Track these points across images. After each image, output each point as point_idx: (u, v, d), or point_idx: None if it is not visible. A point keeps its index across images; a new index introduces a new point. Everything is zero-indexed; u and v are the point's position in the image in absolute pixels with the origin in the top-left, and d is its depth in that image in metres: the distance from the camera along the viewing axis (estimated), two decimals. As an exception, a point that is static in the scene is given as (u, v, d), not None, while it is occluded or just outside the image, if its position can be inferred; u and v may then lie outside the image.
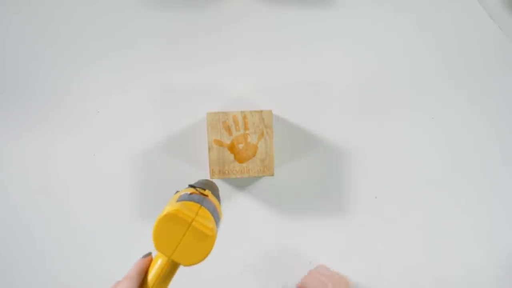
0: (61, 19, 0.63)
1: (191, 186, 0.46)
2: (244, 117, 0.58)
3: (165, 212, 0.39)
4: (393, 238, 0.66)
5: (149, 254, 0.41)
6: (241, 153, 0.59)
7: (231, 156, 0.58)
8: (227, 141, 0.58)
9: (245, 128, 0.59)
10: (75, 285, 0.64)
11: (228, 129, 0.58)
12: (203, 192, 0.44)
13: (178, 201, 0.41)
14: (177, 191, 0.45)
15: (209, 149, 0.58)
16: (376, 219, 0.66)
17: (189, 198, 0.42)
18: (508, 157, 0.66)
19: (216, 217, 0.42)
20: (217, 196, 0.48)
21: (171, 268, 0.39)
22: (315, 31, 0.65)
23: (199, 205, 0.40)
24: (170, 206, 0.39)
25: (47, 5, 0.63)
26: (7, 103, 0.63)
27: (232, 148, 0.58)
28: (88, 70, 0.63)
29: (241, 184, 0.65)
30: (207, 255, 0.39)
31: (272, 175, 0.59)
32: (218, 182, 0.60)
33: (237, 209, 0.65)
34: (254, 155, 0.59)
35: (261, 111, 0.59)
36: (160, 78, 0.64)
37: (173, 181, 0.64)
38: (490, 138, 0.66)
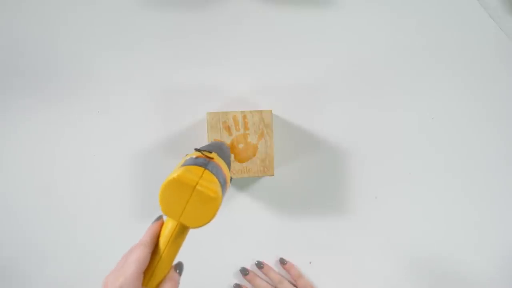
0: (61, 19, 0.63)
1: (197, 150, 0.46)
2: (244, 117, 0.58)
3: (169, 178, 0.39)
4: (393, 238, 0.66)
5: (160, 217, 0.42)
6: (241, 153, 0.59)
7: (231, 156, 0.58)
8: (227, 141, 0.58)
9: (245, 128, 0.59)
10: (75, 285, 0.64)
11: (228, 129, 0.58)
12: (208, 155, 0.44)
13: (183, 165, 0.41)
14: (185, 155, 0.46)
15: (209, 149, 0.58)
16: (376, 219, 0.66)
17: (194, 162, 0.42)
18: (509, 156, 0.66)
19: (222, 179, 0.43)
20: (224, 157, 0.48)
21: (181, 231, 0.40)
22: (315, 31, 0.65)
23: (203, 169, 0.41)
24: (175, 171, 0.40)
25: (46, 5, 0.63)
26: (7, 103, 0.63)
27: (232, 148, 0.58)
28: (88, 70, 0.63)
29: (241, 184, 0.65)
30: (213, 216, 0.40)
31: (272, 175, 0.59)
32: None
33: (237, 209, 0.65)
34: (254, 155, 0.59)
35: (261, 111, 0.59)
36: (160, 78, 0.64)
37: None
38: (490, 138, 0.66)
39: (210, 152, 0.45)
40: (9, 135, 0.63)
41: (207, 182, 0.40)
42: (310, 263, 0.65)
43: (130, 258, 0.38)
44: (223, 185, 0.43)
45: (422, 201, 0.66)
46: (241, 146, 0.58)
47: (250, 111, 0.58)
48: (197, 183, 0.39)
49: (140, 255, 0.38)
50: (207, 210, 0.39)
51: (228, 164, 0.49)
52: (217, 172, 0.42)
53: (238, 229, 0.65)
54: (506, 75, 0.66)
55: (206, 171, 0.41)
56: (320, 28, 0.65)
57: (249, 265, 0.65)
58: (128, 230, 0.63)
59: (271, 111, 0.59)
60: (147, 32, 0.64)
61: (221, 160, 0.46)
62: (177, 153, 0.64)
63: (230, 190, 0.65)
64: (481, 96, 0.66)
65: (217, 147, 0.50)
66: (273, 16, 0.64)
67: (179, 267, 0.42)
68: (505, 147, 0.66)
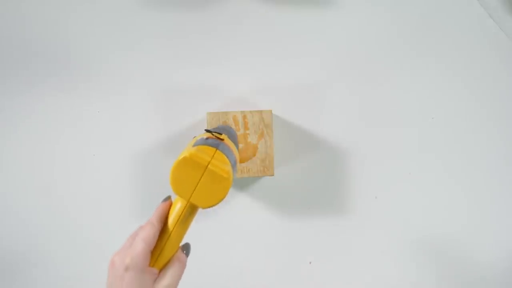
0: (61, 19, 0.63)
1: (207, 130, 0.46)
2: (244, 117, 0.58)
3: (181, 157, 0.39)
4: (393, 238, 0.66)
5: (169, 197, 0.42)
6: (241, 153, 0.59)
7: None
8: (227, 141, 0.58)
9: (245, 128, 0.59)
10: (75, 285, 0.64)
11: (228, 129, 0.58)
12: (219, 136, 0.45)
13: (194, 145, 0.41)
14: (195, 137, 0.46)
15: (209, 149, 0.58)
16: (376, 219, 0.66)
17: (205, 142, 0.42)
18: (509, 157, 0.66)
19: (232, 160, 0.43)
20: (234, 140, 0.48)
21: (190, 211, 0.40)
22: (315, 31, 0.65)
23: (214, 149, 0.41)
24: (187, 151, 0.40)
25: (46, 5, 0.63)
26: (7, 103, 0.63)
27: (232, 148, 0.58)
28: (88, 70, 0.63)
29: (241, 184, 0.65)
30: (224, 197, 0.40)
31: (272, 175, 0.59)
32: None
33: (237, 209, 0.65)
34: (254, 155, 0.59)
35: (261, 111, 0.59)
36: (160, 78, 0.64)
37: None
38: (490, 138, 0.66)
39: (220, 134, 0.45)
40: (9, 135, 0.63)
41: (219, 162, 0.40)
42: (310, 263, 0.65)
43: (138, 237, 0.38)
44: (234, 166, 0.43)
45: (422, 201, 0.66)
46: (241, 146, 0.58)
47: (250, 111, 0.58)
48: (209, 163, 0.39)
49: (148, 234, 0.38)
50: (218, 190, 0.39)
51: (236, 147, 0.49)
52: (228, 153, 0.42)
53: (238, 229, 0.65)
54: (506, 75, 0.66)
55: (218, 151, 0.41)
56: (320, 28, 0.65)
57: (249, 265, 0.65)
58: (128, 230, 0.63)
59: (271, 111, 0.59)
60: (147, 32, 0.64)
61: (230, 142, 0.46)
62: (177, 153, 0.64)
63: (230, 190, 0.65)
64: (481, 96, 0.66)
65: (226, 130, 0.50)
66: (273, 16, 0.64)
67: (186, 248, 0.41)
68: (505, 147, 0.66)
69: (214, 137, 0.44)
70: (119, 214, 0.64)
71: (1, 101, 0.63)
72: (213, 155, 0.40)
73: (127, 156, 0.64)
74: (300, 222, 0.65)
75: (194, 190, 0.39)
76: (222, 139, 0.44)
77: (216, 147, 0.41)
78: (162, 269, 0.38)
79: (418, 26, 0.66)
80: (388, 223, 0.66)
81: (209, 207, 0.40)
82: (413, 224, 0.66)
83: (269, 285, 0.65)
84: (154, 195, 0.64)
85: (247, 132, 0.59)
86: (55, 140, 0.63)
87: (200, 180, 0.39)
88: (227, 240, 0.65)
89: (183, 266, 0.40)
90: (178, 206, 0.40)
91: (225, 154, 0.41)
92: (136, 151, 0.64)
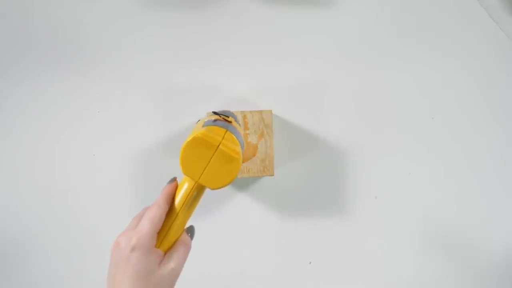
0: (60, 19, 0.63)
1: (215, 112, 0.46)
2: (244, 117, 0.58)
3: (192, 136, 0.39)
4: (393, 238, 0.66)
5: (174, 179, 0.42)
6: (241, 153, 0.59)
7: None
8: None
9: (245, 128, 0.59)
10: (75, 285, 0.64)
11: (228, 129, 0.58)
12: (227, 119, 0.45)
13: (204, 126, 0.41)
14: (199, 120, 0.45)
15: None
16: (376, 219, 0.66)
17: (214, 124, 0.42)
18: (509, 157, 0.66)
19: (241, 141, 0.43)
20: (239, 124, 0.49)
21: (198, 192, 0.40)
22: (315, 31, 0.65)
23: (225, 130, 0.41)
24: (196, 131, 0.40)
25: (47, 4, 0.63)
26: (7, 103, 0.63)
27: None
28: (88, 70, 0.63)
29: (241, 184, 0.65)
30: (233, 178, 0.39)
31: (272, 175, 0.59)
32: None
33: (237, 209, 0.65)
34: (254, 155, 0.59)
35: (261, 111, 0.59)
36: (160, 78, 0.64)
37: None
38: (490, 138, 0.66)
39: (228, 116, 0.46)
40: (9, 135, 0.63)
41: (229, 142, 0.39)
42: (310, 263, 0.65)
43: (145, 218, 0.37)
44: (241, 147, 0.43)
45: (422, 201, 0.66)
46: (241, 146, 0.58)
47: (250, 111, 0.58)
48: (220, 143, 0.39)
49: (155, 215, 0.37)
50: (227, 171, 0.39)
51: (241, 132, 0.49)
52: (237, 135, 0.42)
53: (238, 229, 0.65)
54: (506, 75, 0.66)
55: (228, 132, 0.41)
56: (320, 28, 0.65)
57: (249, 265, 0.65)
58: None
59: (271, 111, 0.59)
60: (147, 31, 0.64)
61: (237, 124, 0.46)
62: (177, 153, 0.64)
63: (230, 190, 0.65)
64: (481, 96, 0.66)
65: (230, 114, 0.50)
66: (273, 16, 0.64)
67: (190, 231, 0.41)
68: (505, 147, 0.66)
69: (222, 119, 0.44)
70: (119, 214, 0.64)
71: (1, 101, 0.63)
72: (223, 136, 0.40)
73: (127, 156, 0.64)
74: (300, 222, 0.65)
75: (204, 170, 0.39)
76: (230, 121, 0.44)
77: (226, 128, 0.41)
78: (168, 251, 0.38)
79: (418, 27, 0.66)
80: (388, 223, 0.66)
81: (218, 188, 0.39)
82: (413, 224, 0.66)
83: (269, 285, 0.65)
84: (154, 195, 0.63)
85: (247, 132, 0.59)
86: (55, 140, 0.63)
87: (210, 160, 0.39)
88: (227, 240, 0.65)
89: (188, 248, 0.39)
90: (185, 187, 0.40)
91: (235, 136, 0.41)
92: (136, 151, 0.64)
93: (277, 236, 0.65)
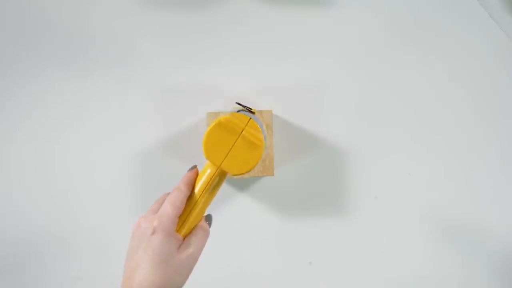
0: (60, 19, 0.63)
1: (238, 103, 0.48)
2: (244, 117, 0.58)
3: (217, 120, 0.40)
4: (393, 238, 0.66)
5: (195, 166, 0.42)
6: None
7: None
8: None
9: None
10: (75, 284, 0.64)
11: (228, 129, 0.58)
12: (250, 110, 0.46)
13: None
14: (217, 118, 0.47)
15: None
16: (376, 219, 0.66)
17: (238, 112, 0.43)
18: (509, 157, 0.66)
19: (264, 131, 0.43)
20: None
21: (220, 178, 0.40)
22: (315, 31, 0.65)
23: (248, 117, 0.41)
24: (221, 116, 0.40)
25: (46, 5, 0.63)
26: (7, 103, 0.63)
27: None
28: (88, 70, 0.63)
29: (241, 184, 0.65)
30: (255, 164, 0.40)
31: (272, 175, 0.59)
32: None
33: (237, 209, 0.65)
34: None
35: (261, 111, 0.59)
36: (160, 78, 0.64)
37: (173, 181, 0.64)
38: (490, 138, 0.66)
39: (251, 108, 0.47)
40: (9, 135, 0.63)
41: (253, 130, 0.40)
42: (310, 263, 0.65)
43: (167, 201, 0.37)
44: (264, 138, 0.43)
45: (422, 201, 0.66)
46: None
47: (250, 111, 0.58)
48: (243, 129, 0.40)
49: (176, 199, 0.38)
50: (250, 158, 0.40)
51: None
52: (260, 124, 0.43)
53: (238, 229, 0.65)
54: (506, 75, 0.66)
55: (252, 119, 0.41)
56: (320, 28, 0.65)
57: (249, 265, 0.65)
58: (128, 230, 0.63)
59: (271, 111, 0.59)
60: (146, 31, 0.64)
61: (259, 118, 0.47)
62: (177, 153, 0.64)
63: (230, 190, 0.65)
64: (481, 96, 0.66)
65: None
66: (273, 16, 0.64)
67: (208, 219, 0.41)
68: (505, 147, 0.66)
69: (246, 110, 0.45)
70: (119, 214, 0.64)
71: (1, 101, 0.63)
72: (247, 123, 0.40)
73: (127, 156, 0.64)
74: (300, 222, 0.65)
75: (227, 156, 0.39)
76: (253, 112, 0.46)
77: (250, 117, 0.42)
78: (187, 236, 0.38)
79: (418, 27, 0.66)
80: (388, 223, 0.66)
81: (239, 174, 0.40)
82: (413, 224, 0.66)
83: (269, 285, 0.65)
84: (154, 195, 0.63)
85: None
86: (55, 140, 0.63)
87: (233, 146, 0.39)
88: (227, 240, 0.65)
89: (207, 234, 0.40)
90: (207, 173, 0.40)
91: (258, 124, 0.42)
92: (136, 151, 0.64)
93: (277, 236, 0.65)
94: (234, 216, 0.65)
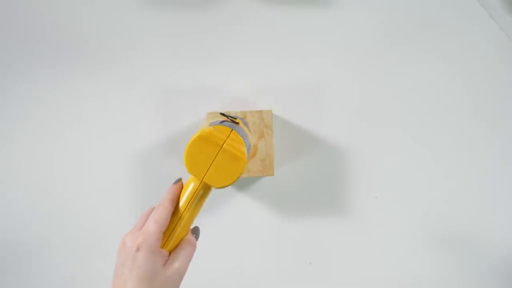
0: (60, 19, 0.63)
1: (222, 114, 0.47)
2: (244, 117, 0.58)
3: (197, 134, 0.39)
4: (393, 238, 0.66)
5: (180, 180, 0.42)
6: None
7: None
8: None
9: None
10: (75, 285, 0.64)
11: (228, 129, 0.58)
12: (234, 120, 0.45)
13: (210, 125, 0.41)
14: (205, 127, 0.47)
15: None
16: (376, 219, 0.66)
17: (220, 124, 0.42)
18: (509, 157, 0.66)
19: (247, 142, 0.43)
20: (247, 127, 0.49)
21: (203, 192, 0.40)
22: (315, 31, 0.65)
23: (230, 129, 0.41)
24: (202, 130, 0.40)
25: (46, 4, 0.63)
26: (7, 103, 0.63)
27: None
28: (88, 70, 0.63)
29: (241, 184, 0.65)
30: (237, 177, 0.40)
31: (272, 175, 0.59)
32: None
33: (237, 209, 0.65)
34: (254, 155, 0.59)
35: (261, 111, 0.59)
36: (160, 78, 0.64)
37: (173, 181, 0.64)
38: (490, 138, 0.66)
39: (235, 118, 0.46)
40: (9, 135, 0.63)
41: (235, 142, 0.40)
42: (310, 263, 0.65)
43: (151, 218, 0.37)
44: (248, 149, 0.43)
45: (422, 201, 0.66)
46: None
47: (250, 111, 0.58)
48: (224, 142, 0.39)
49: (161, 215, 0.37)
50: (232, 170, 0.39)
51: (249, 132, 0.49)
52: (243, 135, 0.42)
53: (238, 229, 0.65)
54: (506, 75, 0.66)
55: (234, 131, 0.41)
56: (320, 28, 0.65)
57: (249, 265, 0.65)
58: (128, 229, 0.63)
59: (271, 111, 0.59)
60: (146, 31, 0.64)
61: (245, 127, 0.46)
62: (177, 153, 0.64)
63: (230, 190, 0.65)
64: (481, 96, 0.66)
65: (238, 117, 0.50)
66: (273, 16, 0.64)
67: (195, 232, 0.41)
68: (505, 147, 0.66)
69: (229, 120, 0.44)
70: (119, 214, 0.64)
71: (1, 101, 0.63)
72: (228, 135, 0.40)
73: (127, 156, 0.64)
74: (300, 222, 0.65)
75: (208, 169, 0.39)
76: (237, 123, 0.45)
77: (232, 128, 0.42)
78: (173, 251, 0.38)
79: (418, 26, 0.65)
80: (388, 223, 0.66)
81: (222, 187, 0.40)
82: (413, 224, 0.66)
83: (269, 285, 0.65)
84: (154, 195, 0.64)
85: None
86: (55, 140, 0.63)
87: (215, 159, 0.39)
88: (227, 240, 0.65)
89: (193, 248, 0.39)
90: (191, 187, 0.40)
91: (241, 136, 0.41)
92: (136, 151, 0.64)
93: (277, 236, 0.65)
94: (233, 216, 0.65)
